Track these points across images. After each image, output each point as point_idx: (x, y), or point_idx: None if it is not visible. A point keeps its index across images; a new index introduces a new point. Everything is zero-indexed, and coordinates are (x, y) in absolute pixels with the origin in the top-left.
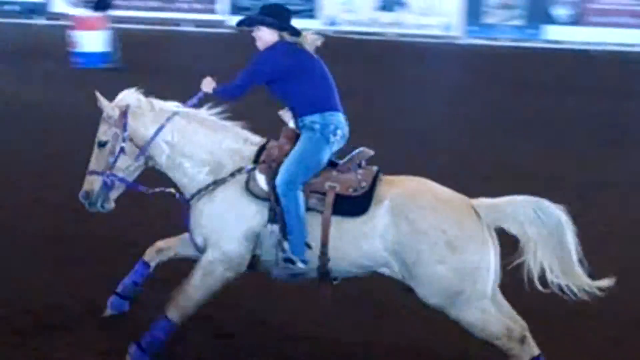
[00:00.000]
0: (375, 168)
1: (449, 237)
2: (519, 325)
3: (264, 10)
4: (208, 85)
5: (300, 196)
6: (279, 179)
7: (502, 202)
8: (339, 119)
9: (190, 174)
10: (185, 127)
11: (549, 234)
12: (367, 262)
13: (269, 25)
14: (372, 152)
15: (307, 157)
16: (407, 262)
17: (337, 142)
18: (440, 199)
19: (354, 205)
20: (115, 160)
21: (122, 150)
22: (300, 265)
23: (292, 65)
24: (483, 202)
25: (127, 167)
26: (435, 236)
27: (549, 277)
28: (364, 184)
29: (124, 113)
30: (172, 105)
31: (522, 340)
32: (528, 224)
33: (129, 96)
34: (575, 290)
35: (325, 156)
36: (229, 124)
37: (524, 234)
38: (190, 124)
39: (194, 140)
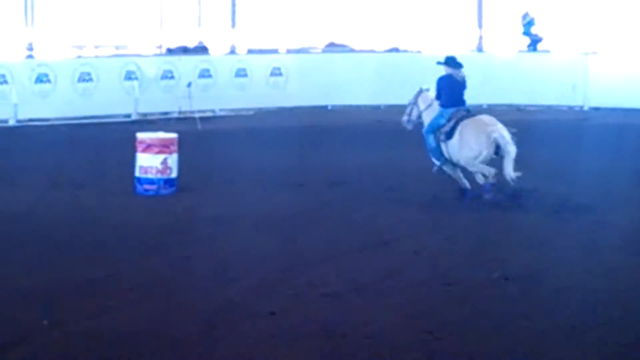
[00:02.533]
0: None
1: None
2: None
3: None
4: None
5: (431, 136)
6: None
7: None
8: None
9: None
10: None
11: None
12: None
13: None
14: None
15: (433, 122)
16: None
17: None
18: (474, 122)
19: (449, 134)
20: None
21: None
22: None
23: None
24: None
25: None
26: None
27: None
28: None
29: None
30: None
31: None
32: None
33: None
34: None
35: (442, 121)
36: None
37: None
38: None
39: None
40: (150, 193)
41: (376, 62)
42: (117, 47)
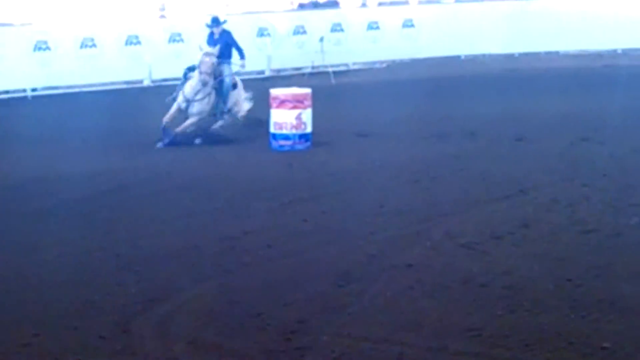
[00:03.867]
0: None
1: None
2: None
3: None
4: None
5: None
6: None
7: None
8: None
9: None
10: None
11: None
12: None
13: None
14: None
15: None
16: None
17: None
18: None
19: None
20: None
21: None
22: None
23: None
24: None
25: None
26: None
27: None
28: None
29: None
30: None
31: None
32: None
33: None
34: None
35: None
36: None
37: None
38: None
39: None
40: (286, 148)
41: (507, 10)
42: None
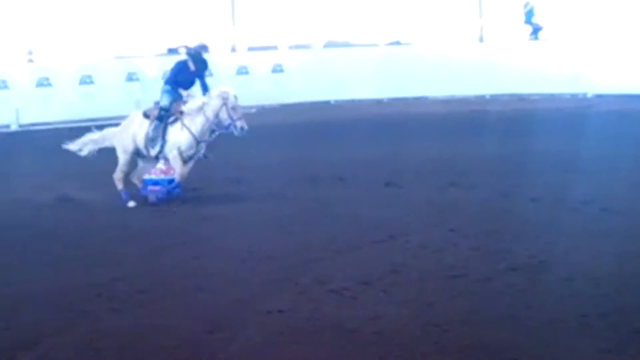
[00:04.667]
0: None
1: None
2: None
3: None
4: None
5: None
6: None
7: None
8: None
9: None
10: None
11: None
12: None
13: None
14: None
15: None
16: None
17: None
18: None
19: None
20: None
21: None
22: None
23: None
24: None
25: None
26: None
27: None
28: None
29: None
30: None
31: None
32: None
33: None
34: None
35: None
36: None
37: None
38: None
39: None
40: (156, 194)
41: (377, 56)
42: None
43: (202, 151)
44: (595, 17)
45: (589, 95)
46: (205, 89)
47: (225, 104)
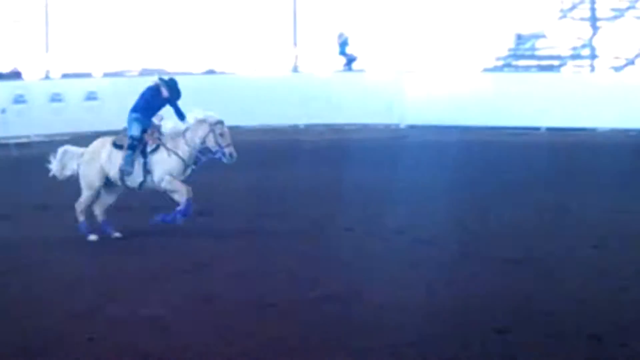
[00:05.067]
0: None
1: None
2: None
3: None
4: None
5: None
6: None
7: None
8: None
9: None
10: None
11: None
12: None
13: None
14: None
15: None
16: None
17: None
18: None
19: None
20: None
21: None
22: None
23: None
24: None
25: None
26: None
27: None
28: None
29: None
30: None
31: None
32: None
33: None
34: None
35: None
36: None
37: None
38: None
39: None
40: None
41: (192, 84)
42: None
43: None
44: (409, 48)
45: (402, 125)
46: (180, 116)
47: (212, 130)
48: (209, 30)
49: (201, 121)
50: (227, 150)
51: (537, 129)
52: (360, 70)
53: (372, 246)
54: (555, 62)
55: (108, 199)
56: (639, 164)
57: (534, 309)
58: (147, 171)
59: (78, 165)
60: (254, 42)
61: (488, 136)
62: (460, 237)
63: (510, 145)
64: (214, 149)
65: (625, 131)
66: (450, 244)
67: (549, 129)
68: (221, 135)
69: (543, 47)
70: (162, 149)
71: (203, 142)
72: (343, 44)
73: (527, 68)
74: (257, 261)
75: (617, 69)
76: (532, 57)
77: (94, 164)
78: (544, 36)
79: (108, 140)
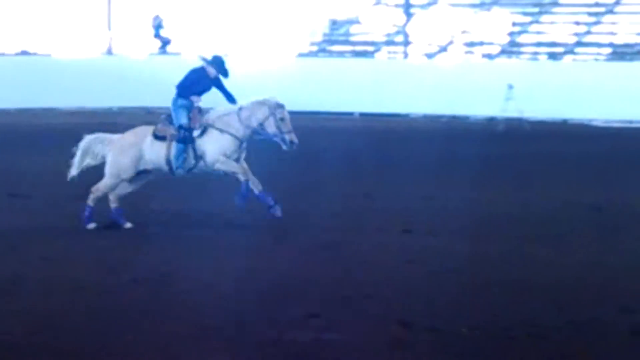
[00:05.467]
0: None
1: None
2: None
3: None
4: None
5: None
6: None
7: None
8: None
9: None
10: None
11: None
12: None
13: None
14: None
15: None
16: None
17: None
18: None
19: None
20: None
21: None
22: None
23: None
24: None
25: None
26: None
27: None
28: None
29: None
30: None
31: None
32: None
33: None
34: None
35: None
36: None
37: None
38: None
39: None
40: None
41: (6, 65)
42: None
43: (245, 154)
44: (223, 32)
45: None
46: (231, 99)
47: (272, 114)
48: (22, 10)
49: (260, 103)
50: (287, 137)
51: (351, 114)
52: (176, 54)
53: (185, 231)
54: (370, 48)
55: (128, 187)
56: (449, 150)
57: (344, 294)
58: (197, 156)
59: (107, 152)
60: (69, 23)
61: (301, 121)
62: (270, 223)
63: (323, 131)
64: (273, 134)
65: (437, 117)
66: (262, 231)
67: (363, 115)
68: (282, 119)
69: (357, 32)
70: (211, 130)
71: (262, 125)
72: (158, 27)
73: (341, 53)
74: (69, 244)
75: (430, 55)
76: (347, 42)
77: (129, 154)
78: (358, 22)
79: (148, 130)
